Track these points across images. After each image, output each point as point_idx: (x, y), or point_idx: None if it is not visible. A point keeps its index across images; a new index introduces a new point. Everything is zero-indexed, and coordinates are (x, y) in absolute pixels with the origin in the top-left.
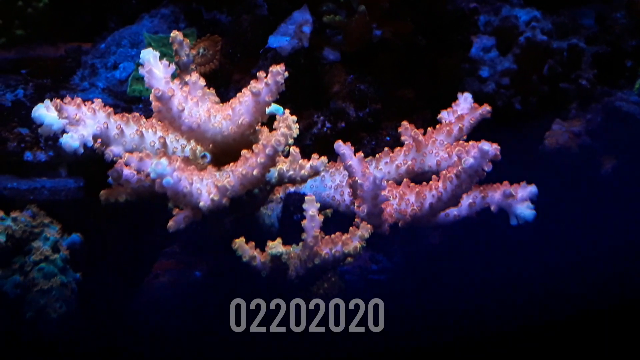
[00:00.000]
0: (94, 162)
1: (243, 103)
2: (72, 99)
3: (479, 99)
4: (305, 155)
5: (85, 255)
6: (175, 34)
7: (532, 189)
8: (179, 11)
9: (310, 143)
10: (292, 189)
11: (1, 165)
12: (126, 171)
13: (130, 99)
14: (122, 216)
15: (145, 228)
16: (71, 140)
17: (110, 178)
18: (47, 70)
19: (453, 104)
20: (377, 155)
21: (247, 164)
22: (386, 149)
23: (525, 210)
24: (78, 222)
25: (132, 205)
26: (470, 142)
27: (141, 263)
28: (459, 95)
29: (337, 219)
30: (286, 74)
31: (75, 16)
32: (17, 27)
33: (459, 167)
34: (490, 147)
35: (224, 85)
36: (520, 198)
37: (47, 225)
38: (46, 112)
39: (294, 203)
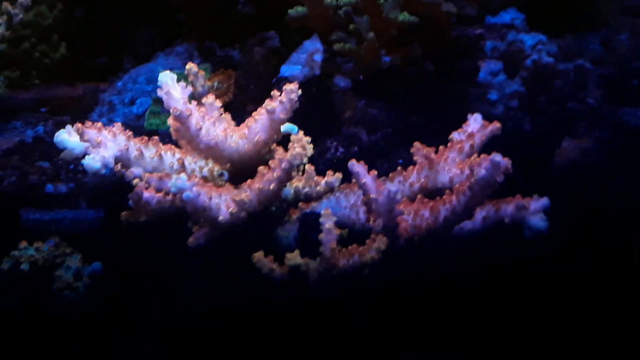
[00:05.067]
0: (113, 193)
1: (258, 121)
2: (93, 122)
3: (488, 122)
4: None
5: (107, 283)
6: (191, 66)
7: (544, 201)
8: (193, 49)
9: (324, 168)
10: (307, 209)
11: (24, 198)
12: (146, 194)
13: (148, 133)
14: (142, 245)
15: (165, 256)
16: (93, 162)
17: (130, 201)
18: (66, 108)
19: (463, 125)
20: (390, 175)
21: (264, 179)
22: (399, 168)
23: (538, 221)
24: (99, 251)
25: (151, 234)
26: (482, 155)
27: (161, 290)
28: (469, 116)
29: (352, 240)
30: (299, 91)
31: (91, 58)
32: (34, 77)
33: (472, 180)
34: (502, 159)
35: (239, 116)
36: (533, 210)
37: (68, 254)
38: (68, 137)
39: (310, 223)
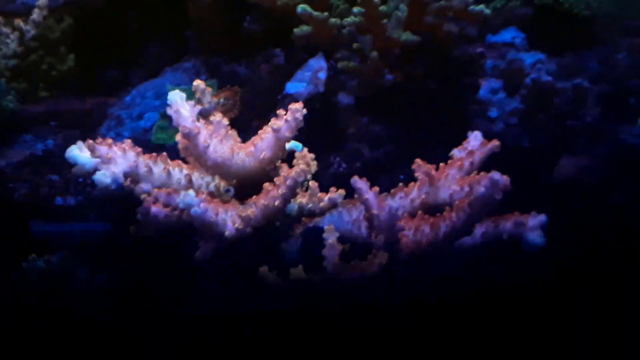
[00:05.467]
0: (121, 206)
1: (264, 139)
2: (104, 139)
3: (488, 138)
4: None
5: (114, 295)
6: (198, 83)
7: (541, 217)
8: (200, 64)
9: (328, 183)
10: (310, 224)
11: (34, 210)
12: (154, 208)
13: (155, 147)
14: (148, 257)
15: (171, 269)
16: (104, 177)
17: (139, 215)
18: (75, 121)
19: (464, 142)
20: (391, 191)
21: (269, 196)
22: (400, 184)
23: (536, 237)
24: (107, 263)
25: (157, 247)
26: (482, 173)
27: (167, 301)
28: (469, 133)
29: (354, 255)
30: (304, 111)
31: (101, 73)
32: (42, 89)
33: (471, 197)
34: (501, 177)
35: (244, 132)
36: (531, 226)
37: (77, 266)
38: (79, 153)
39: (314, 237)
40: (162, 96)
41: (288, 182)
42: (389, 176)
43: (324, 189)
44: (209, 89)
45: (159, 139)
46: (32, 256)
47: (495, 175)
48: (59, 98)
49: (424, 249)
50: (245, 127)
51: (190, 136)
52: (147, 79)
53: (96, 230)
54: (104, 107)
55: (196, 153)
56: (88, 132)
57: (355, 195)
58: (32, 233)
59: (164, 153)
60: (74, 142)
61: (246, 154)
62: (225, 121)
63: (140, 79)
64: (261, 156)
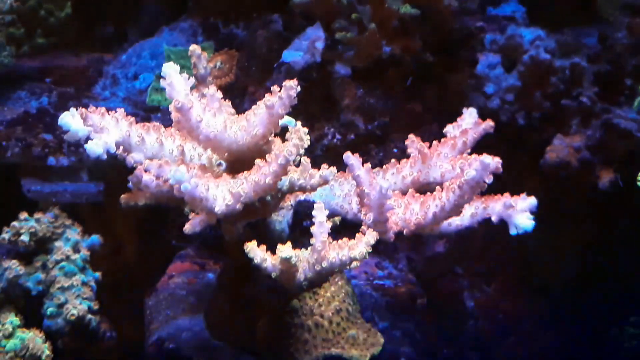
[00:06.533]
0: (113, 168)
1: (257, 115)
2: (97, 107)
3: (483, 114)
4: (316, 165)
5: (105, 256)
6: (194, 48)
7: (531, 200)
8: (197, 25)
9: (321, 154)
10: (302, 197)
11: (26, 169)
12: (145, 177)
13: (150, 108)
14: (140, 219)
15: (161, 231)
16: (95, 146)
17: (130, 183)
18: (70, 79)
19: (458, 119)
20: (384, 166)
21: (261, 172)
22: (393, 160)
23: (524, 220)
24: (98, 224)
25: (149, 209)
26: (473, 155)
27: (157, 264)
28: (464, 110)
29: (345, 227)
30: (298, 88)
31: (97, 27)
32: (40, 35)
33: (462, 179)
34: (492, 160)
35: (240, 97)
36: (520, 209)
37: (68, 226)
38: (72, 120)
39: (304, 210)
40: (158, 56)
41: (280, 160)
42: (382, 149)
43: (318, 159)
44: (205, 54)
45: (153, 101)
46: (23, 215)
47: (486, 158)
48: (54, 53)
49: (413, 228)
50: (241, 92)
51: (182, 110)
52: (143, 36)
53: (88, 191)
54: (100, 64)
55: (188, 127)
56: (83, 90)
57: (347, 170)
58: (24, 192)
59: (157, 123)
60: (68, 101)
61: (239, 128)
62: (219, 94)
63: (137, 35)
64: (254, 132)
